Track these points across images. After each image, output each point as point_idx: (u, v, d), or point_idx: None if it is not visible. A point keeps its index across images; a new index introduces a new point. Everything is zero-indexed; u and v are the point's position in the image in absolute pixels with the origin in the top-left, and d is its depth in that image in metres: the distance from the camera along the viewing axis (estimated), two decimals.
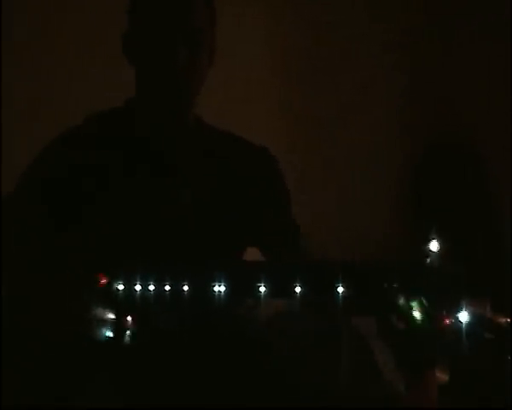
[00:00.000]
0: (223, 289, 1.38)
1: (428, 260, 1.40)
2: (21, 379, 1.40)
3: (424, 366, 1.49)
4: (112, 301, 1.38)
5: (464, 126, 3.15)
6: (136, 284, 1.39)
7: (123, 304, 1.38)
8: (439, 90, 3.20)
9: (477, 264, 1.42)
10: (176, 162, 1.61)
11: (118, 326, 1.39)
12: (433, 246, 1.41)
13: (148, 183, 1.57)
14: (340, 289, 1.38)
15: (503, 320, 1.40)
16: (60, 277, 1.41)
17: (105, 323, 1.38)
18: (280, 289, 1.40)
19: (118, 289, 1.39)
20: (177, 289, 1.38)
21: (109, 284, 1.39)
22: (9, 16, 2.48)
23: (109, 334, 1.38)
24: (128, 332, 1.40)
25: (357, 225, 3.07)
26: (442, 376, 1.54)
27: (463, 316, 1.36)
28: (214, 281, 1.39)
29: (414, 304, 1.38)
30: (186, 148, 1.63)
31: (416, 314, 1.38)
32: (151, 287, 1.39)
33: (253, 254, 1.72)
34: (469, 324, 1.35)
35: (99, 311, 1.38)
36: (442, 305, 1.38)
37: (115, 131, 1.60)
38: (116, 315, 1.38)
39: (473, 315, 1.36)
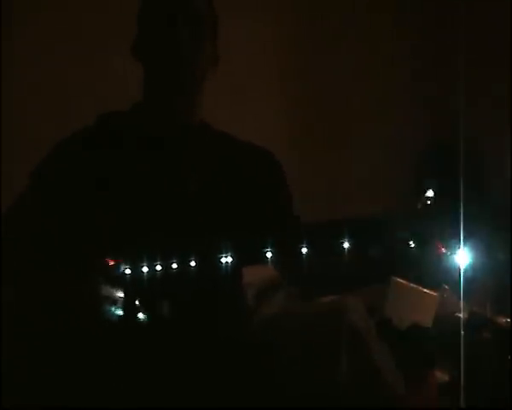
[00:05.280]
0: (229, 259, 1.40)
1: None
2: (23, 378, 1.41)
3: (424, 366, 1.49)
4: (120, 283, 1.40)
5: (464, 127, 3.15)
6: (143, 266, 1.40)
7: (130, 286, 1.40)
8: (438, 90, 3.21)
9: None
10: (182, 158, 1.64)
11: (127, 308, 1.40)
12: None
13: (154, 179, 1.60)
14: (346, 245, 1.42)
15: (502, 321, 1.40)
16: (72, 265, 1.44)
17: (115, 303, 1.40)
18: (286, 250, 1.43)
19: (125, 273, 1.40)
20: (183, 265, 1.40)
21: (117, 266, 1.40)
22: (9, 16, 2.48)
23: (119, 314, 1.39)
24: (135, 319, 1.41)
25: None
26: (442, 376, 1.55)
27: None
28: (221, 251, 1.41)
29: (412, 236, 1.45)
30: (192, 146, 1.66)
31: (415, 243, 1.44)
32: (158, 267, 1.40)
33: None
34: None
35: (109, 292, 1.39)
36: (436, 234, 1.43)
37: (124, 130, 1.64)
38: (124, 298, 1.39)
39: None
